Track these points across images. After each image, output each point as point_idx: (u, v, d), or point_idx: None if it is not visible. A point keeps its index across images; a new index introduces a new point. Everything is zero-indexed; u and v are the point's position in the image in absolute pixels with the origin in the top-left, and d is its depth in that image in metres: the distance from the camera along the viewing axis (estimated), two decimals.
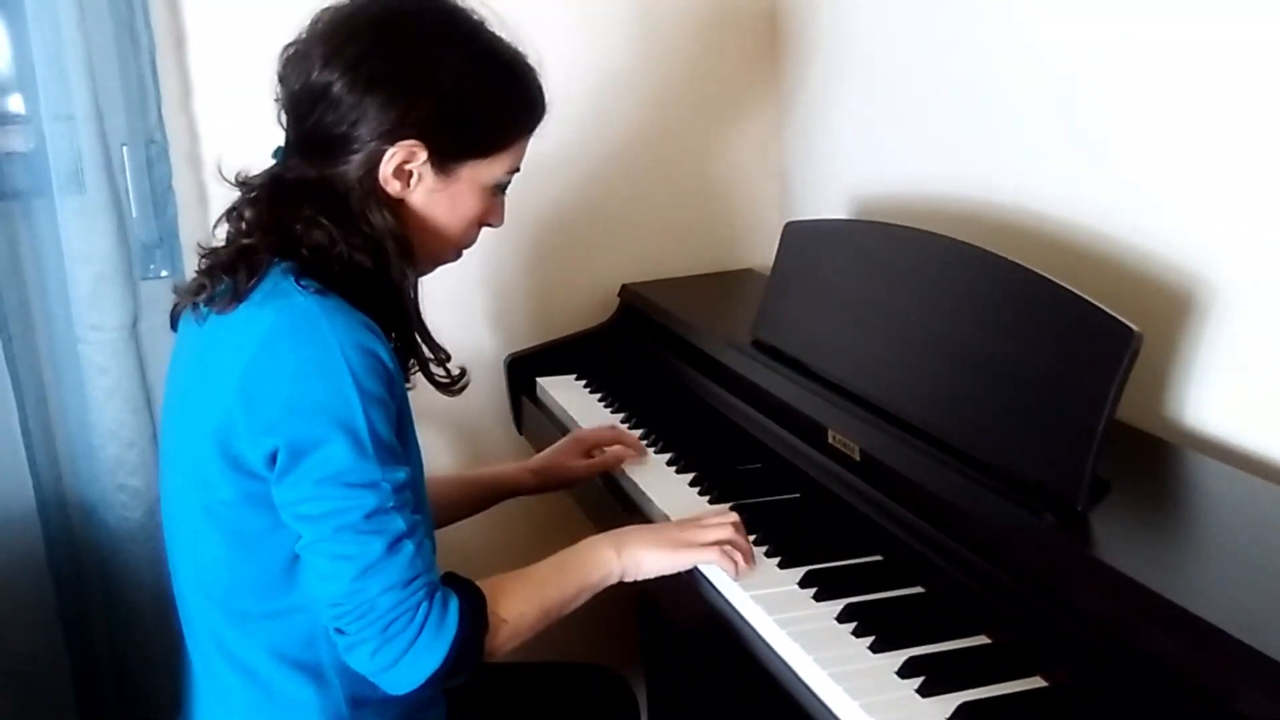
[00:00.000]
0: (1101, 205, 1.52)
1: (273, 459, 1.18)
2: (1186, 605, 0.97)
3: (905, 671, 1.13)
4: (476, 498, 1.72)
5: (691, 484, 1.61)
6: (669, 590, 1.40)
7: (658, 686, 2.15)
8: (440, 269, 1.41)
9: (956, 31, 1.75)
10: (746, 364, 1.72)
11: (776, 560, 1.36)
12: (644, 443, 1.76)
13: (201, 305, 1.27)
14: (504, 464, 1.83)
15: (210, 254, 1.31)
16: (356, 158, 1.27)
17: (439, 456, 2.16)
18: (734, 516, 1.40)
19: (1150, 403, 1.43)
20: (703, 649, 1.43)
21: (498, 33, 1.34)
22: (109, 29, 1.83)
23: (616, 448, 1.71)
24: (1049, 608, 1.12)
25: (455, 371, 1.38)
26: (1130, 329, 1.17)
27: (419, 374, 1.36)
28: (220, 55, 1.96)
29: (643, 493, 1.60)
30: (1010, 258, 1.35)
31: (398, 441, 1.22)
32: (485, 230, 1.41)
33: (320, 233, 1.25)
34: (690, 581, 1.36)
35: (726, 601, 1.32)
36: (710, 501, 1.55)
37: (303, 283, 1.22)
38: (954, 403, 1.35)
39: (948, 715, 1.06)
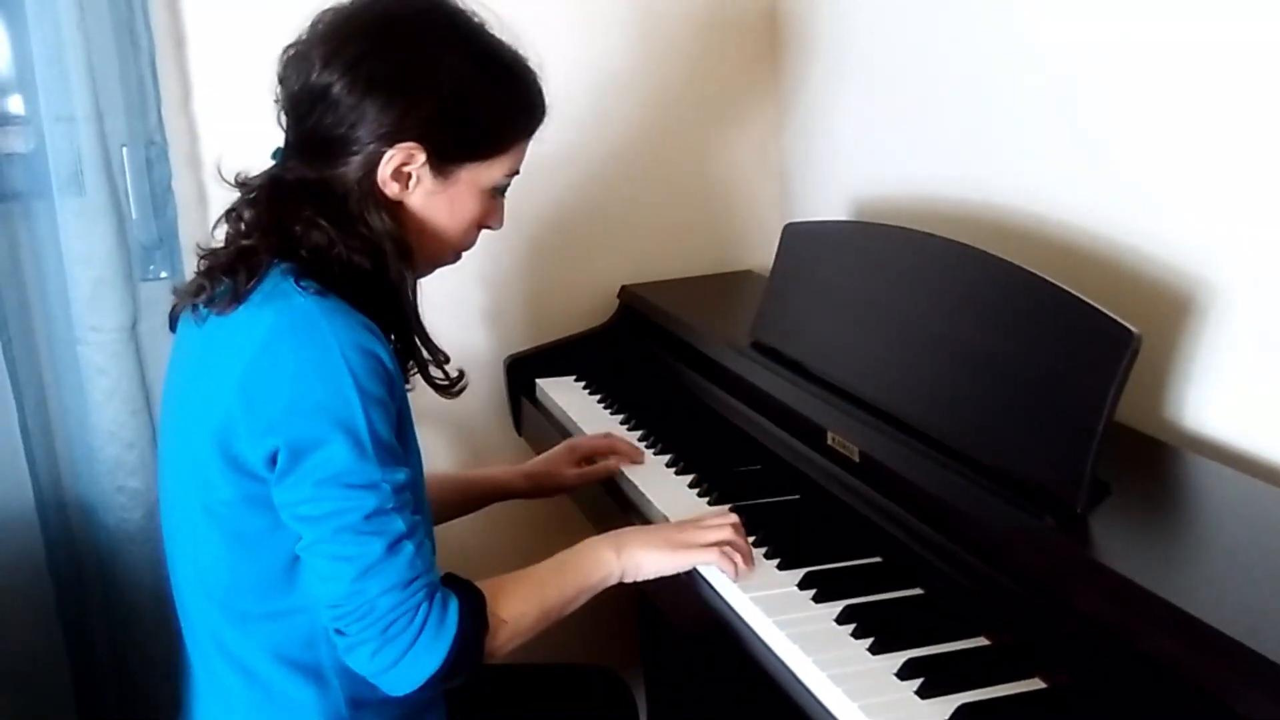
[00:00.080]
0: (1101, 207, 1.52)
1: (273, 460, 1.18)
2: (1186, 607, 0.97)
3: (905, 673, 1.13)
4: (467, 499, 1.73)
5: (691, 485, 1.61)
6: (668, 591, 1.40)
7: (657, 688, 2.15)
8: (440, 270, 1.41)
9: (956, 32, 1.75)
10: (746, 365, 1.73)
11: (776, 562, 1.36)
12: (643, 444, 1.76)
13: (201, 307, 1.27)
14: (497, 467, 1.83)
15: (209, 255, 1.31)
16: (355, 159, 1.27)
17: (438, 457, 2.16)
18: (733, 518, 1.40)
19: (1150, 404, 1.43)
20: (702, 650, 1.43)
21: (498, 35, 1.34)
22: (109, 30, 1.83)
23: (609, 461, 1.70)
24: (1048, 609, 1.12)
25: (454, 374, 1.38)
26: (1129, 330, 1.17)
27: (418, 375, 1.36)
28: (220, 56, 1.96)
29: (642, 494, 1.60)
30: (1010, 259, 1.35)
31: (398, 442, 1.22)
32: (485, 231, 1.41)
33: (319, 234, 1.25)
34: (689, 583, 1.36)
35: (726, 603, 1.32)
36: (710, 503, 1.55)
37: (302, 284, 1.22)
38: (953, 404, 1.35)
39: (947, 717, 1.06)
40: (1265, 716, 0.90)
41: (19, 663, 1.88)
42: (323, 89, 1.26)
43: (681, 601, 1.39)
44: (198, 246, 1.35)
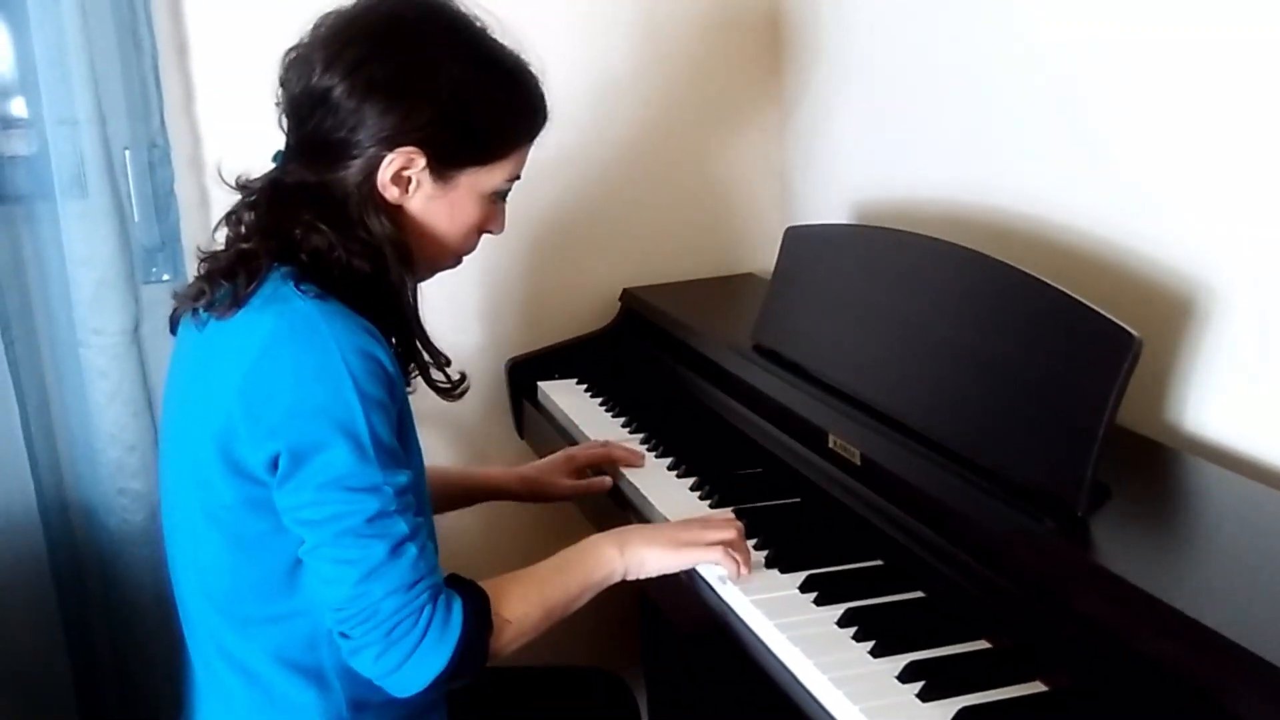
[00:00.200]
0: (1102, 210, 1.52)
1: (274, 464, 1.19)
2: (1186, 610, 0.98)
3: (906, 676, 1.13)
4: (460, 495, 1.73)
5: (692, 488, 1.61)
6: (670, 593, 1.40)
7: (658, 689, 2.15)
8: (443, 272, 1.41)
9: (957, 36, 1.76)
10: (747, 368, 1.73)
11: (777, 565, 1.37)
12: (644, 447, 1.76)
13: (201, 311, 1.27)
14: (494, 467, 1.83)
15: (209, 258, 1.31)
16: (356, 163, 1.27)
17: (440, 460, 2.16)
18: (738, 523, 1.40)
19: (1150, 407, 1.43)
20: (703, 652, 1.43)
21: (500, 39, 1.34)
22: (111, 33, 1.83)
23: (604, 478, 1.69)
24: (1049, 612, 1.13)
25: (455, 376, 1.38)
26: (1130, 334, 1.17)
27: (419, 378, 1.36)
28: (222, 60, 1.97)
29: (643, 497, 1.61)
30: (1011, 263, 1.35)
31: (399, 445, 1.22)
32: (486, 234, 1.41)
33: (319, 238, 1.25)
34: (690, 585, 1.36)
35: (727, 605, 1.32)
36: (711, 506, 1.55)
37: (302, 287, 1.22)
38: (954, 407, 1.35)
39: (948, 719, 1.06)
40: (1265, 719, 0.90)
41: (20, 663, 1.89)
42: (323, 92, 1.26)
43: (683, 603, 1.39)
44: (198, 249, 1.35)
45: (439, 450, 2.16)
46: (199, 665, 1.35)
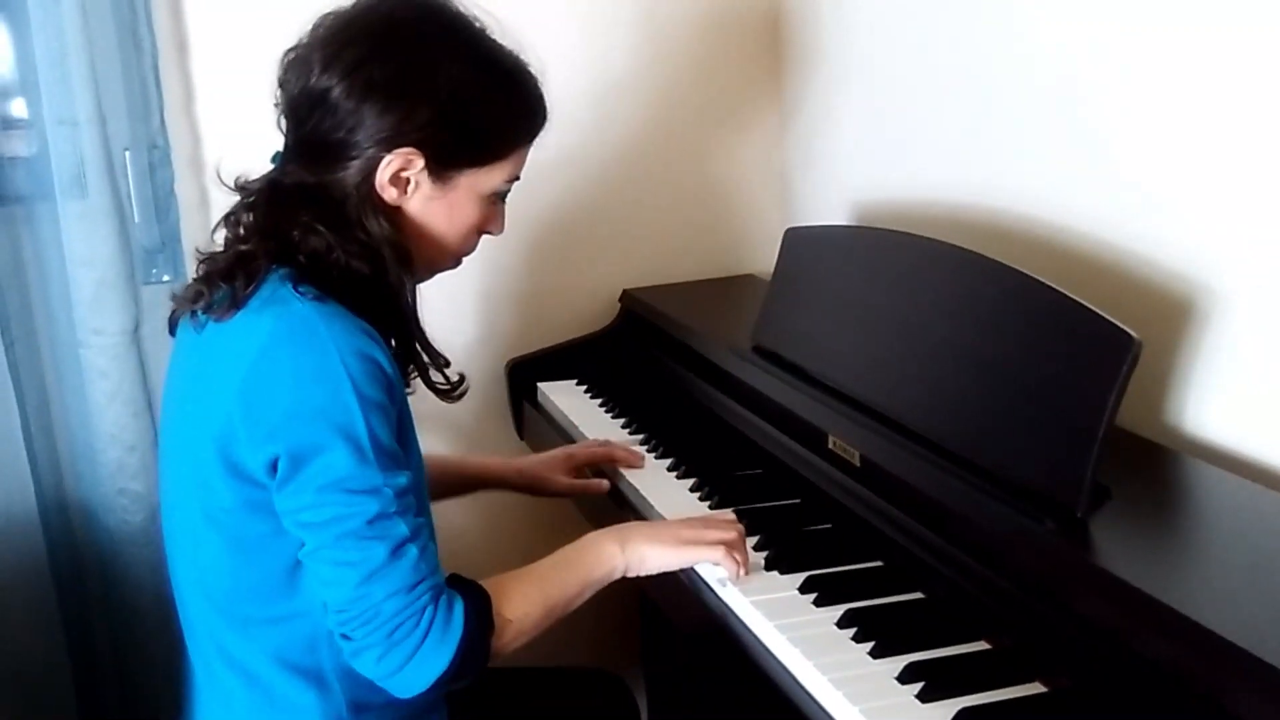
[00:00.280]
0: (1102, 212, 1.52)
1: (273, 466, 1.18)
2: (1186, 611, 0.98)
3: (905, 677, 1.13)
4: (458, 483, 1.74)
5: (692, 489, 1.62)
6: (670, 594, 1.40)
7: (658, 690, 2.15)
8: (443, 273, 1.41)
9: (957, 37, 1.76)
10: (747, 369, 1.73)
11: (777, 566, 1.37)
12: (644, 448, 1.76)
13: (199, 313, 1.26)
14: (492, 457, 1.83)
15: (208, 260, 1.31)
16: (354, 164, 1.26)
17: None
18: (740, 525, 1.40)
19: (1150, 408, 1.43)
20: (703, 653, 1.43)
21: (499, 39, 1.34)
22: (112, 34, 1.83)
23: (601, 481, 1.69)
24: (1049, 613, 1.13)
25: (454, 378, 1.38)
26: (1130, 335, 1.17)
27: (419, 379, 1.36)
28: (222, 60, 1.97)
29: (643, 498, 1.61)
30: (1011, 264, 1.35)
31: (399, 446, 1.22)
32: (485, 235, 1.41)
33: (317, 239, 1.25)
34: (690, 586, 1.36)
35: (727, 606, 1.32)
36: (711, 507, 1.55)
37: (301, 289, 1.22)
38: (954, 409, 1.35)
39: None
40: (1265, 719, 0.90)
41: (20, 664, 1.88)
42: (321, 93, 1.25)
43: (683, 604, 1.39)
44: (196, 250, 1.35)
45: (439, 450, 2.16)
46: (199, 666, 1.35)
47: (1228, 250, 1.35)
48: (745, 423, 1.72)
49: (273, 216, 1.28)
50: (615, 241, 2.26)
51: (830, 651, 1.19)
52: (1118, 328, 1.18)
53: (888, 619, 1.24)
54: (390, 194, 1.28)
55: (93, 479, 1.92)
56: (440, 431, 2.16)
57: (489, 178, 1.33)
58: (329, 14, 1.29)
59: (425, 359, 1.35)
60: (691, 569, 1.37)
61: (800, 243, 1.77)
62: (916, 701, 1.10)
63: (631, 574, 1.35)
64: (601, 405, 1.99)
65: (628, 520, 1.56)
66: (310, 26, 1.29)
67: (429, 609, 1.18)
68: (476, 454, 1.99)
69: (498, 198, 1.37)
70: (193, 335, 1.28)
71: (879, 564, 1.37)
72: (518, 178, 1.38)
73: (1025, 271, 1.33)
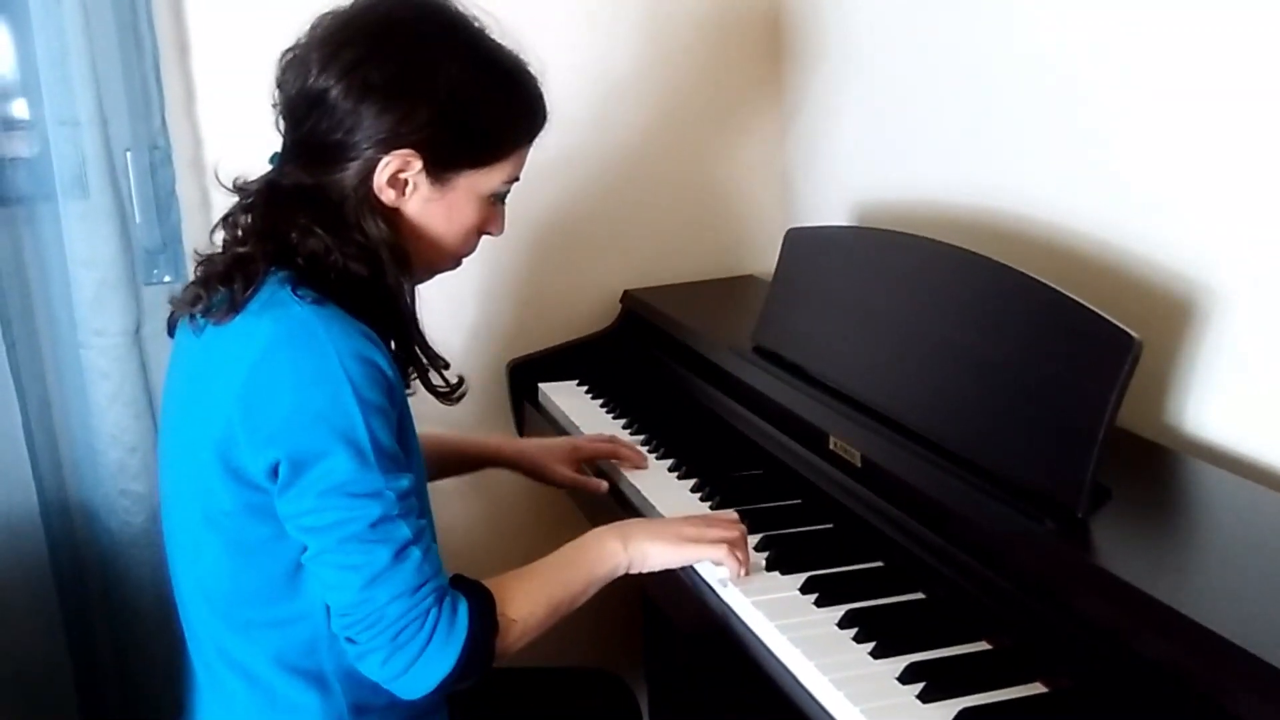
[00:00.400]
0: (1102, 212, 1.52)
1: (274, 471, 1.18)
2: (1187, 612, 0.98)
3: (906, 677, 1.13)
4: (455, 462, 1.74)
5: (693, 490, 1.62)
6: (671, 594, 1.40)
7: (659, 690, 2.15)
8: (442, 274, 1.40)
9: (957, 38, 1.76)
10: (748, 370, 1.73)
11: (778, 566, 1.37)
12: (645, 448, 1.76)
13: (198, 316, 1.26)
14: (495, 436, 1.82)
15: (205, 262, 1.30)
16: (352, 165, 1.26)
17: None
18: (742, 525, 1.39)
19: (1151, 409, 1.43)
20: (704, 654, 1.43)
21: (499, 39, 1.33)
22: (113, 34, 1.83)
23: (600, 481, 1.69)
24: (1050, 614, 1.13)
25: (454, 380, 1.38)
26: (1130, 336, 1.17)
27: (418, 381, 1.36)
28: (224, 61, 1.97)
29: (644, 498, 1.61)
30: (1011, 264, 1.36)
31: (399, 448, 1.22)
32: (486, 236, 1.40)
33: (315, 241, 1.24)
34: (691, 586, 1.36)
35: (728, 607, 1.32)
36: (712, 507, 1.55)
37: (299, 292, 1.21)
38: (955, 409, 1.35)
39: None
40: None
41: (22, 665, 1.88)
42: (319, 94, 1.24)
43: (684, 605, 1.40)
44: (195, 252, 1.34)
45: None
46: (200, 667, 1.35)
47: (1228, 250, 1.35)
48: (746, 423, 1.72)
49: (270, 218, 1.27)
50: (616, 242, 2.26)
51: (831, 652, 1.19)
52: (1118, 328, 1.19)
53: (889, 619, 1.24)
54: (388, 195, 1.28)
55: (94, 480, 1.92)
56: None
57: (488, 179, 1.33)
58: (327, 13, 1.29)
59: (424, 361, 1.34)
60: (693, 569, 1.37)
61: (801, 243, 1.77)
62: (917, 702, 1.10)
63: (634, 571, 1.35)
64: (602, 406, 1.99)
65: (627, 519, 1.56)
66: (308, 26, 1.29)
67: (433, 611, 1.18)
68: (476, 434, 1.99)
69: (497, 199, 1.36)
70: (191, 338, 1.28)
71: (880, 564, 1.37)
72: (517, 178, 1.37)
73: (1026, 272, 1.33)
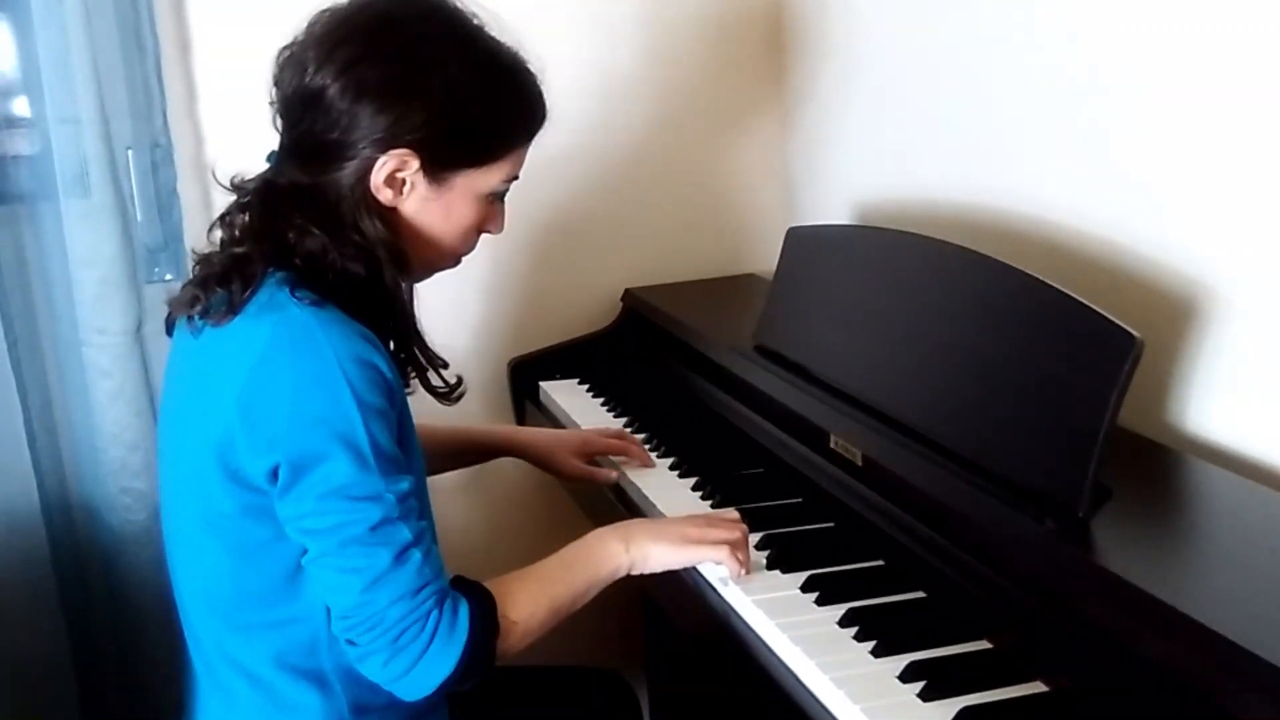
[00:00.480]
0: (1103, 211, 1.52)
1: (274, 474, 1.18)
2: (1188, 611, 0.98)
3: (907, 676, 1.13)
4: (457, 452, 1.74)
5: (694, 488, 1.62)
6: (671, 593, 1.40)
7: (660, 689, 2.15)
8: (443, 273, 1.40)
9: (959, 38, 1.76)
10: (749, 369, 1.73)
11: (779, 565, 1.37)
12: (646, 447, 1.75)
13: (196, 317, 1.25)
14: (501, 425, 1.82)
15: (203, 262, 1.29)
16: (349, 165, 1.24)
17: None
18: (743, 525, 1.39)
19: (1152, 408, 1.43)
20: (705, 653, 1.43)
21: (498, 36, 1.31)
22: (114, 33, 1.83)
23: (610, 471, 1.69)
24: (1050, 613, 1.13)
25: (452, 380, 1.37)
26: (1132, 335, 1.17)
27: (417, 381, 1.36)
28: (225, 60, 1.97)
29: (645, 497, 1.61)
30: (1012, 264, 1.35)
31: (399, 450, 1.21)
32: (486, 234, 1.39)
33: (313, 241, 1.24)
34: (692, 585, 1.36)
35: (729, 605, 1.32)
36: (713, 506, 1.55)
37: (298, 294, 1.21)
38: (956, 408, 1.35)
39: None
40: None
41: (23, 663, 1.89)
42: (315, 92, 1.23)
43: (684, 604, 1.40)
44: (193, 252, 1.34)
45: None
46: (200, 667, 1.34)
47: (1229, 250, 1.35)
48: (747, 422, 1.72)
49: (267, 218, 1.26)
50: (617, 240, 2.26)
51: (832, 650, 1.19)
52: (1120, 327, 1.18)
53: (889, 618, 1.24)
54: (385, 195, 1.27)
55: (95, 478, 1.92)
56: None
57: (486, 178, 1.32)
58: (325, 11, 1.27)
59: (423, 361, 1.34)
60: (694, 568, 1.37)
61: (802, 242, 1.77)
62: (918, 700, 1.10)
63: (636, 572, 1.34)
64: (604, 404, 1.99)
65: (629, 518, 1.56)
66: (306, 23, 1.27)
67: (434, 613, 1.18)
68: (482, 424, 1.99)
69: (496, 197, 1.35)
70: (189, 339, 1.27)
71: (880, 563, 1.37)
72: (516, 177, 1.36)
73: (1027, 271, 1.33)
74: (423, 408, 1.33)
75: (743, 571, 1.33)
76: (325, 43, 1.25)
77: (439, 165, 1.28)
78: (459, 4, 1.31)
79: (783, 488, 1.58)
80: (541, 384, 2.12)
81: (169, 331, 1.37)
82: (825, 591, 1.29)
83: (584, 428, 1.88)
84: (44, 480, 1.88)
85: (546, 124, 1.36)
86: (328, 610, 1.22)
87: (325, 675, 1.27)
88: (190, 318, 1.27)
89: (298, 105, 1.26)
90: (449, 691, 1.21)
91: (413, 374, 1.35)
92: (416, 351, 1.33)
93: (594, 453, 1.73)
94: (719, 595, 1.34)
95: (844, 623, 1.24)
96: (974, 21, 1.72)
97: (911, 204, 1.91)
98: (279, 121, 1.30)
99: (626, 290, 2.20)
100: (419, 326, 1.34)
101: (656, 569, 1.35)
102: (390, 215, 1.28)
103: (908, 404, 1.42)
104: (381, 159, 1.25)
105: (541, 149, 1.39)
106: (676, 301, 2.11)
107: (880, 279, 1.55)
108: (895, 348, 1.48)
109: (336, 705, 1.28)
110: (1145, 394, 1.39)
